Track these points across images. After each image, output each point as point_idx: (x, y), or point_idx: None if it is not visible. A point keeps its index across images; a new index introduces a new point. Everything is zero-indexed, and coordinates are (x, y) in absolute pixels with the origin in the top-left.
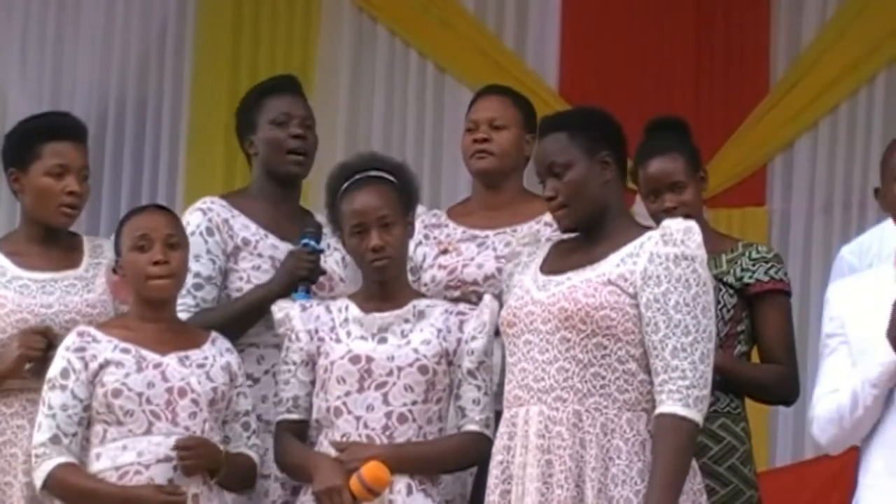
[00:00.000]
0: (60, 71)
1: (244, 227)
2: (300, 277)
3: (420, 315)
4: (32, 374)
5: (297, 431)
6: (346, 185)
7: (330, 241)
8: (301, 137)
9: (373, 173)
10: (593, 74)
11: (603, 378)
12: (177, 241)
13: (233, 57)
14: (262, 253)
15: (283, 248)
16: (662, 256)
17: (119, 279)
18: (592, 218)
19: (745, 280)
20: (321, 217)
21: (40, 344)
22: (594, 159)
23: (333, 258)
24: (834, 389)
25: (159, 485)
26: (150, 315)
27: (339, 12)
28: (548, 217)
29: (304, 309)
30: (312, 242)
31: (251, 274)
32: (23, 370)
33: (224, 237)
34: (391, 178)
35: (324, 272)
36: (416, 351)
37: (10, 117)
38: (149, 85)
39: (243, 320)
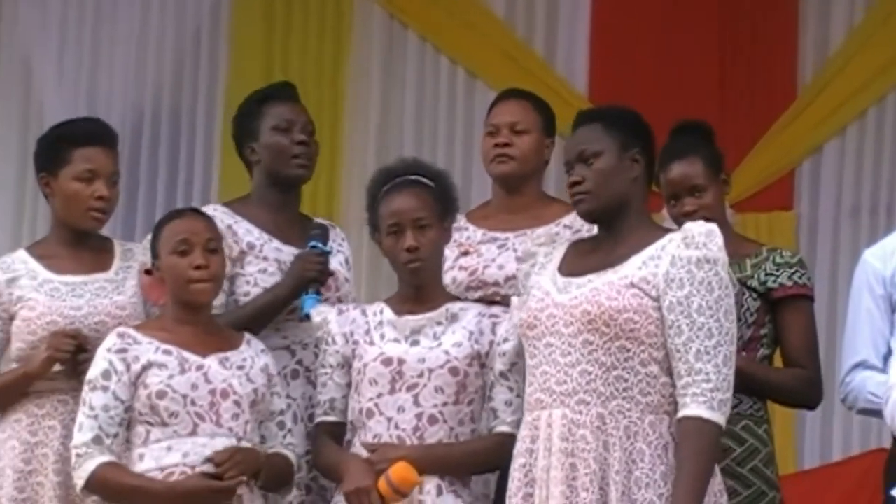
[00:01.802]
0: (96, 78)
1: (248, 232)
2: (310, 279)
3: (453, 318)
4: (63, 376)
5: (335, 433)
6: (386, 187)
7: (334, 245)
8: (304, 143)
9: (412, 177)
10: (622, 79)
11: (626, 381)
12: (216, 245)
13: (265, 63)
14: (267, 256)
15: (287, 252)
16: (685, 259)
17: (151, 281)
18: (613, 211)
19: (769, 284)
20: (322, 220)
21: (68, 346)
22: (625, 154)
23: (338, 259)
24: None
25: (205, 472)
26: (188, 318)
27: (370, 19)
28: (567, 220)
29: (340, 313)
30: (320, 244)
31: (258, 277)
32: (50, 371)
33: (229, 243)
34: (431, 183)
35: (332, 273)
36: (446, 353)
37: (48, 124)
38: (183, 91)
39: (254, 324)
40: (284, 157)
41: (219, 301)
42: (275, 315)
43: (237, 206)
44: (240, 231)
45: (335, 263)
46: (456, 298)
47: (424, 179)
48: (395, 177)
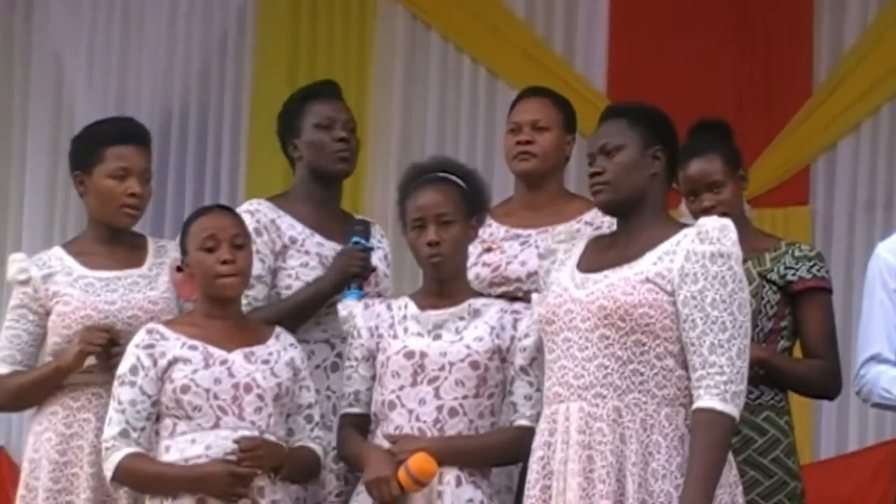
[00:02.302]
0: (126, 79)
1: (291, 227)
2: (352, 274)
3: (475, 313)
4: (97, 369)
5: (360, 425)
6: (414, 183)
7: (374, 241)
8: (345, 140)
9: (441, 174)
10: (640, 78)
11: (642, 374)
12: (242, 241)
13: (291, 63)
14: (309, 250)
15: (328, 247)
16: (699, 254)
17: (182, 277)
18: (630, 204)
19: (789, 277)
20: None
21: (100, 340)
22: (646, 150)
23: (377, 255)
24: None
25: (226, 459)
26: (217, 312)
27: (393, 20)
28: (588, 216)
29: (366, 307)
30: (362, 240)
31: (300, 271)
32: (83, 365)
33: (272, 237)
34: (459, 181)
35: (374, 269)
36: (467, 347)
37: (78, 124)
38: (210, 91)
39: (295, 317)
40: (325, 153)
41: (261, 294)
42: (316, 309)
43: (280, 202)
44: (283, 225)
45: (375, 259)
46: (479, 294)
47: (453, 177)
48: (425, 173)
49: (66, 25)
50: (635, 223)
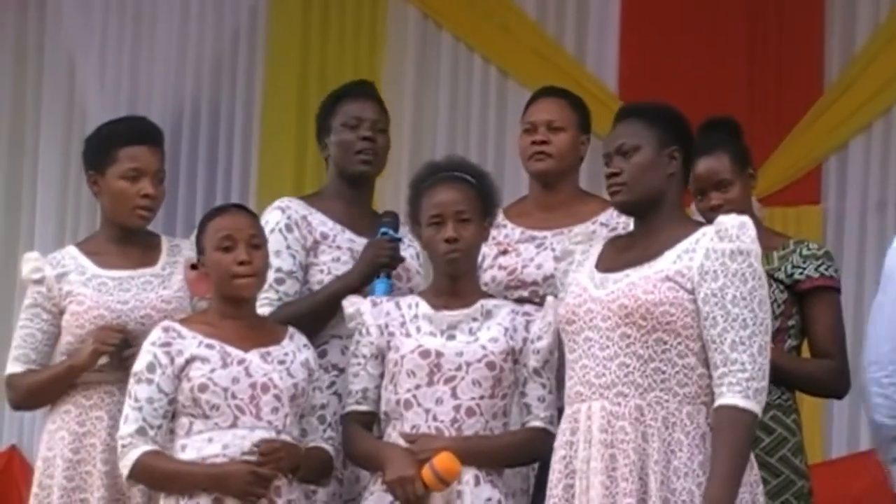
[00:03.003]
0: (137, 78)
1: (322, 223)
2: (381, 265)
3: (488, 314)
4: (109, 368)
5: (365, 422)
6: (430, 180)
7: (406, 237)
8: (370, 140)
9: (457, 173)
10: (651, 77)
11: (663, 373)
12: (259, 241)
13: (302, 63)
14: (340, 245)
15: (359, 243)
16: (718, 252)
17: (197, 275)
18: (647, 204)
19: (796, 276)
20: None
21: (113, 340)
22: (663, 150)
23: (409, 252)
24: None
25: (247, 460)
26: (232, 312)
27: (404, 19)
28: (603, 217)
29: (374, 305)
30: (391, 231)
31: (331, 266)
32: (96, 364)
33: (303, 233)
34: (474, 181)
35: (402, 259)
36: (483, 347)
37: (90, 122)
38: (222, 90)
39: (326, 311)
40: (349, 153)
41: (292, 290)
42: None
43: (312, 199)
44: (314, 222)
45: (406, 255)
46: (488, 295)
47: (468, 177)
48: (440, 172)
49: (79, 25)
50: (653, 223)
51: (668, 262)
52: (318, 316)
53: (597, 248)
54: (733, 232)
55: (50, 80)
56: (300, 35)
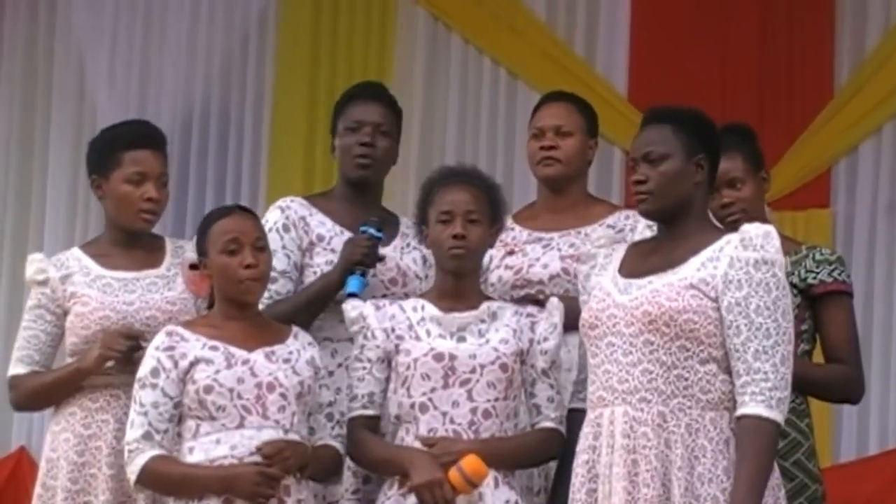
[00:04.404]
0: (147, 80)
1: (320, 224)
2: (355, 262)
3: (493, 316)
4: (115, 371)
5: (372, 427)
6: (442, 182)
7: (411, 241)
8: (368, 145)
9: (468, 177)
10: (661, 80)
11: (686, 379)
12: (263, 243)
13: (312, 65)
14: (335, 248)
15: None
16: (743, 261)
17: (197, 275)
18: (674, 212)
19: (810, 281)
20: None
21: (121, 346)
22: (691, 159)
23: (412, 256)
24: None
25: (255, 461)
26: (236, 314)
27: (414, 21)
28: (610, 220)
29: (377, 308)
30: (371, 230)
31: (325, 268)
32: (103, 368)
33: (300, 234)
34: (484, 187)
35: (381, 258)
36: (496, 349)
37: (100, 125)
38: (232, 93)
39: (309, 310)
40: (348, 156)
41: (284, 289)
42: (328, 299)
43: (317, 199)
44: (312, 223)
45: (407, 260)
46: (490, 298)
47: (482, 183)
48: (453, 175)
49: (89, 27)
50: (678, 229)
51: (693, 269)
52: (302, 314)
53: (620, 253)
54: (758, 241)
55: (60, 81)
56: (310, 36)
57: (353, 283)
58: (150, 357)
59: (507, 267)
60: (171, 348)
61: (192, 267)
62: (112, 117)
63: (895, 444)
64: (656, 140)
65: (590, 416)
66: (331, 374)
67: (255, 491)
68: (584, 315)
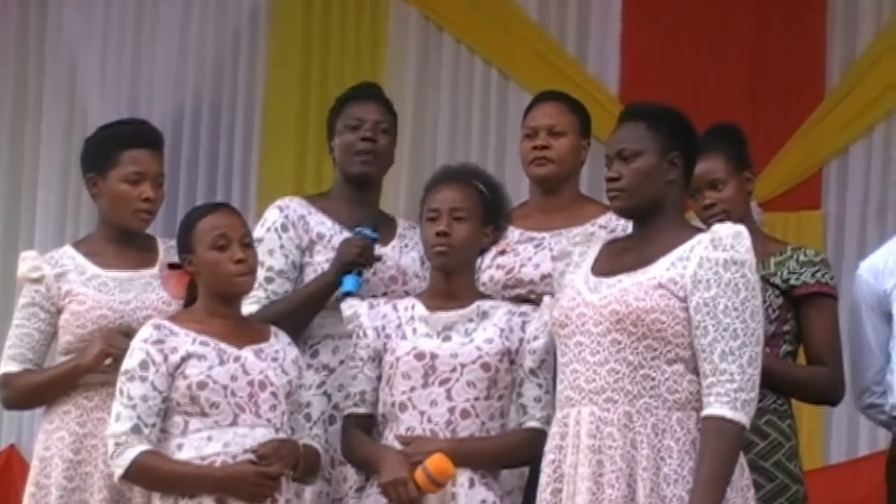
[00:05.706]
0: (138, 79)
1: (320, 223)
2: (349, 262)
3: (484, 315)
4: (112, 369)
5: (364, 425)
6: (435, 180)
7: (408, 242)
8: (370, 140)
9: (464, 177)
10: (653, 80)
11: (653, 379)
12: (249, 239)
13: (303, 64)
14: (335, 246)
15: None
16: (712, 261)
17: (176, 275)
18: (647, 210)
19: (792, 282)
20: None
21: (122, 344)
22: (665, 156)
23: (410, 256)
24: None
25: (250, 459)
26: (222, 310)
27: (406, 21)
28: (602, 220)
29: (371, 307)
30: (366, 231)
31: (325, 267)
32: (101, 365)
33: (299, 233)
34: (483, 188)
35: (378, 258)
36: (478, 349)
37: (91, 123)
38: (223, 91)
39: (305, 309)
40: (350, 153)
41: (281, 289)
42: (324, 299)
43: (316, 199)
44: (312, 222)
45: (406, 259)
46: (486, 296)
47: (476, 182)
48: (451, 174)
49: (80, 26)
50: (651, 227)
51: (662, 269)
52: (298, 314)
53: (594, 251)
54: (728, 241)
55: (51, 81)
56: (301, 36)
57: (348, 282)
58: (139, 349)
59: (498, 266)
60: (160, 341)
61: (171, 266)
62: (103, 118)
63: (885, 446)
64: (630, 137)
65: (557, 415)
66: (332, 371)
67: (254, 491)
68: (555, 313)
